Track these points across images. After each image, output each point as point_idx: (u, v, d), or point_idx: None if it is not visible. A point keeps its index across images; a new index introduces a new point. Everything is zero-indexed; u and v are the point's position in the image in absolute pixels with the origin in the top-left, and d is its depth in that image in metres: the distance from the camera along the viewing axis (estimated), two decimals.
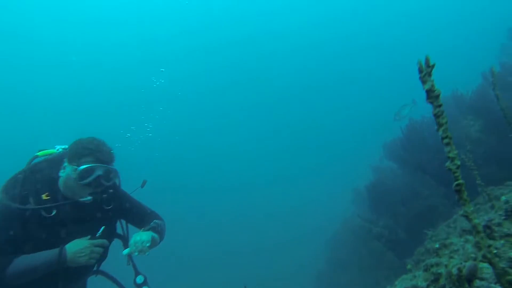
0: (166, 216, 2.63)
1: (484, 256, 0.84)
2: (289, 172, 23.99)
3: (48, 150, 2.38)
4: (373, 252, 6.54)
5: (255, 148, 28.29)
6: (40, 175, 2.12)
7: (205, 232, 18.64)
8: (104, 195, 2.17)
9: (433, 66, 0.94)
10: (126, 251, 2.09)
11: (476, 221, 0.82)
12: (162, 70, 20.78)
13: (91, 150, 2.11)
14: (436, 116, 0.92)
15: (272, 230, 17.50)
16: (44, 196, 2.03)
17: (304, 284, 10.40)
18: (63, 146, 2.39)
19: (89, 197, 2.07)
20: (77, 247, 1.99)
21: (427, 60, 0.95)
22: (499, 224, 1.45)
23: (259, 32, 25.32)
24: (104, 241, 2.11)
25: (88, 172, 2.06)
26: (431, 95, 0.92)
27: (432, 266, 1.76)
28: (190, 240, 16.83)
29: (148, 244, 2.06)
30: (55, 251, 1.94)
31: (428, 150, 5.62)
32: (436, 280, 1.62)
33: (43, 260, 1.92)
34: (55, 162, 2.19)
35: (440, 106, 0.91)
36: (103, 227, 2.15)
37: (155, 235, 2.18)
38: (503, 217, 1.51)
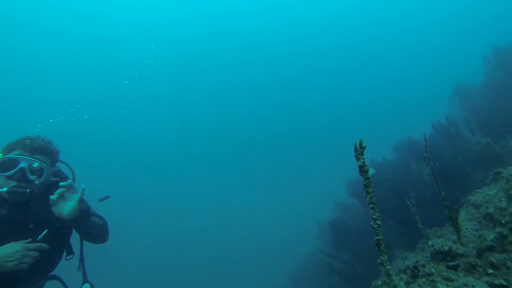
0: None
1: None
2: (257, 200, 24.06)
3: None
4: (334, 286, 6.79)
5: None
6: None
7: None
8: (28, 190, 2.03)
9: (364, 147, 1.28)
10: (52, 196, 1.99)
11: (388, 267, 1.12)
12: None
13: (23, 144, 2.09)
14: (366, 186, 1.24)
15: (236, 260, 17.30)
16: None
17: None
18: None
19: (4, 188, 1.98)
20: (6, 251, 1.90)
21: (360, 143, 1.29)
22: (423, 265, 1.79)
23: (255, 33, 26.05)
24: (42, 245, 2.03)
25: (9, 163, 2.02)
26: (362, 170, 1.25)
27: None
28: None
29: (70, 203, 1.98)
30: None
31: (386, 191, 6.12)
32: None
33: None
34: None
35: (368, 178, 1.24)
36: (45, 231, 2.08)
37: (76, 206, 2.03)
38: (429, 259, 1.85)
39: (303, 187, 23.21)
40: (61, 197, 2.02)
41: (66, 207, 2.02)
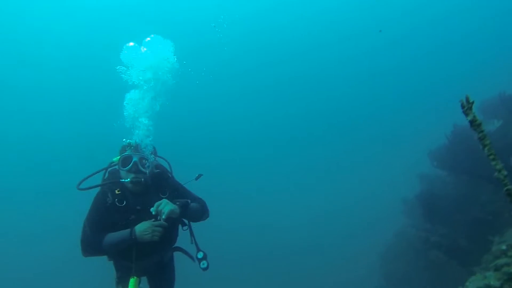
0: None
1: None
2: (334, 185, 23.69)
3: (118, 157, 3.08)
4: (434, 263, 6.41)
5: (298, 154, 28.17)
6: (112, 174, 2.88)
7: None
8: (142, 179, 2.71)
9: (472, 102, 1.25)
10: (152, 209, 2.59)
11: None
12: None
13: (130, 146, 2.81)
14: (481, 138, 1.22)
15: (320, 247, 17.31)
16: (116, 191, 2.76)
17: None
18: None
19: (128, 179, 2.70)
20: (142, 228, 2.62)
21: (467, 98, 1.27)
22: None
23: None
24: (162, 222, 2.64)
25: (126, 159, 2.75)
26: (474, 124, 1.23)
27: (502, 266, 1.93)
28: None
29: (168, 208, 2.56)
30: (128, 230, 2.63)
31: (481, 156, 5.57)
32: (509, 279, 1.80)
33: (121, 238, 2.64)
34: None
35: (482, 131, 1.21)
36: None
37: (176, 209, 2.63)
38: None
39: (377, 167, 22.23)
40: (158, 209, 2.60)
41: (165, 213, 2.59)
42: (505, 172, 1.18)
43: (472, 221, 5.17)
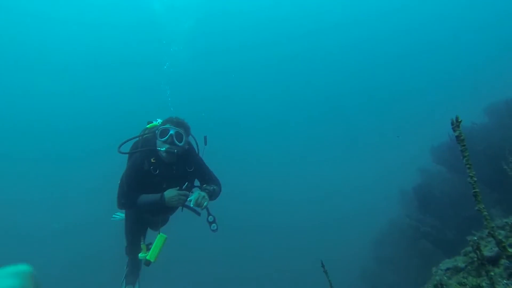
0: None
1: (490, 234, 1.47)
2: (336, 172, 24.11)
3: (153, 124, 3.59)
4: (422, 251, 6.88)
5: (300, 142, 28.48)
6: (149, 142, 3.29)
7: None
8: (175, 151, 3.12)
9: (460, 121, 1.58)
10: (191, 203, 3.09)
11: (485, 213, 1.44)
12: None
13: (171, 120, 3.23)
14: (462, 151, 1.56)
15: (316, 225, 17.98)
16: (152, 160, 3.20)
17: (349, 280, 10.82)
18: (161, 120, 3.52)
19: (163, 148, 3.11)
20: (170, 194, 3.09)
21: (457, 118, 1.60)
22: None
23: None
24: (186, 192, 3.18)
25: (165, 131, 3.16)
26: (459, 139, 1.57)
27: (470, 252, 2.33)
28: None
29: (205, 201, 3.05)
30: (158, 195, 3.09)
31: (479, 156, 5.87)
32: (472, 262, 2.20)
33: (153, 200, 3.10)
34: (155, 130, 3.30)
35: (464, 145, 1.55)
36: (186, 183, 3.33)
37: (206, 195, 3.12)
38: None
39: (384, 154, 22.51)
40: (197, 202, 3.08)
41: (203, 206, 3.09)
42: (475, 179, 1.53)
43: (463, 217, 5.55)
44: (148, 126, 3.57)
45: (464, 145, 1.55)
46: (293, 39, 26.57)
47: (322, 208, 19.75)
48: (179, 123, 3.21)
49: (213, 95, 26.28)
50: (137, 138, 3.44)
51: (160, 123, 3.39)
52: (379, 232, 11.13)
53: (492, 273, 1.58)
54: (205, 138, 3.54)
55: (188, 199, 3.15)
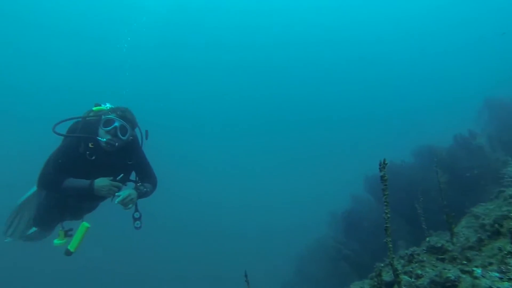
0: None
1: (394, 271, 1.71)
2: (276, 182, 24.72)
3: (100, 107, 3.36)
4: (341, 272, 7.40)
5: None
6: (91, 126, 3.08)
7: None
8: (116, 144, 2.98)
9: (386, 164, 1.82)
10: (117, 199, 2.97)
11: (390, 245, 1.67)
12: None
13: (118, 111, 3.08)
14: (383, 190, 1.79)
15: (246, 234, 18.28)
16: (90, 144, 3.02)
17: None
18: (109, 106, 3.35)
19: (104, 139, 2.96)
20: (102, 183, 2.94)
21: (384, 160, 1.83)
22: (418, 254, 2.33)
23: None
24: (120, 184, 3.06)
25: (109, 121, 3.01)
26: (383, 179, 1.79)
27: (374, 277, 2.62)
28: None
29: (131, 204, 2.98)
30: (88, 181, 2.93)
31: (400, 193, 6.55)
32: (374, 285, 2.48)
33: (80, 186, 2.92)
34: (100, 116, 3.13)
35: (386, 185, 1.78)
36: (121, 175, 3.15)
37: (135, 198, 3.05)
38: (424, 251, 2.38)
39: (322, 176, 23.65)
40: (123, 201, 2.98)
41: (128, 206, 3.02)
42: (389, 215, 1.76)
43: (379, 245, 6.12)
44: (94, 108, 3.36)
45: (386, 185, 1.78)
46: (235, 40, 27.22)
47: (256, 217, 20.14)
48: (126, 116, 3.08)
49: (166, 89, 25.78)
50: (78, 119, 3.21)
51: (108, 109, 3.24)
52: (305, 248, 11.67)
53: None
54: (146, 132, 3.43)
55: (117, 194, 3.00)
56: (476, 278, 1.50)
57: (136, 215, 3.22)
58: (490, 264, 1.57)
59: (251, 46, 27.58)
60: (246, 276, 2.08)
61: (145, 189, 3.19)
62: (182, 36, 25.38)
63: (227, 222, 19.38)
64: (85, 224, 3.04)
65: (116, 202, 2.91)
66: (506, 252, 1.47)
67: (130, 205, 2.99)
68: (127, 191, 3.02)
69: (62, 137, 3.17)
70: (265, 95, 29.71)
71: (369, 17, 26.24)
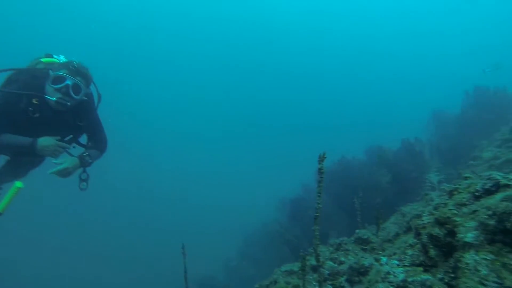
0: None
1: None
2: (228, 169, 25.06)
3: (51, 59, 3.01)
4: (282, 256, 7.79)
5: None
6: (35, 80, 2.72)
7: None
8: (69, 103, 2.72)
9: (325, 158, 1.96)
10: (55, 168, 2.78)
11: (317, 233, 1.83)
12: None
13: (71, 66, 2.73)
14: (318, 181, 1.93)
15: (196, 217, 18.47)
16: (34, 100, 2.68)
17: (212, 268, 11.48)
18: (63, 60, 3.00)
19: (54, 98, 2.67)
20: (47, 143, 2.67)
21: (324, 154, 1.97)
22: (345, 244, 2.57)
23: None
24: (67, 145, 2.86)
25: (60, 78, 2.70)
26: (320, 171, 1.93)
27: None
28: None
29: (68, 176, 2.81)
30: (30, 139, 2.65)
31: (347, 187, 6.97)
32: (302, 268, 2.68)
33: (20, 143, 2.65)
34: (50, 69, 2.79)
35: (322, 177, 1.93)
36: (71, 136, 2.96)
37: (73, 171, 2.86)
38: (352, 241, 2.63)
39: (281, 164, 24.33)
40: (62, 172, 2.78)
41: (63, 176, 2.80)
42: (320, 206, 1.92)
43: (320, 233, 6.51)
44: (43, 59, 3.00)
45: (322, 177, 1.93)
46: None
47: (205, 200, 20.34)
48: (80, 72, 2.75)
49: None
50: (21, 70, 2.81)
51: (61, 62, 2.91)
52: (251, 232, 12.06)
53: (309, 277, 2.00)
54: (99, 96, 3.15)
55: (55, 161, 2.75)
56: (381, 265, 1.71)
57: (83, 176, 2.99)
58: (395, 254, 1.80)
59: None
60: (183, 248, 2.15)
61: (90, 160, 2.96)
62: (181, 36, 24.84)
63: (180, 202, 19.40)
64: (18, 183, 2.69)
65: (49, 173, 2.67)
66: (407, 245, 1.69)
67: (67, 177, 2.79)
68: (66, 163, 2.76)
69: None
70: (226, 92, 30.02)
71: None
